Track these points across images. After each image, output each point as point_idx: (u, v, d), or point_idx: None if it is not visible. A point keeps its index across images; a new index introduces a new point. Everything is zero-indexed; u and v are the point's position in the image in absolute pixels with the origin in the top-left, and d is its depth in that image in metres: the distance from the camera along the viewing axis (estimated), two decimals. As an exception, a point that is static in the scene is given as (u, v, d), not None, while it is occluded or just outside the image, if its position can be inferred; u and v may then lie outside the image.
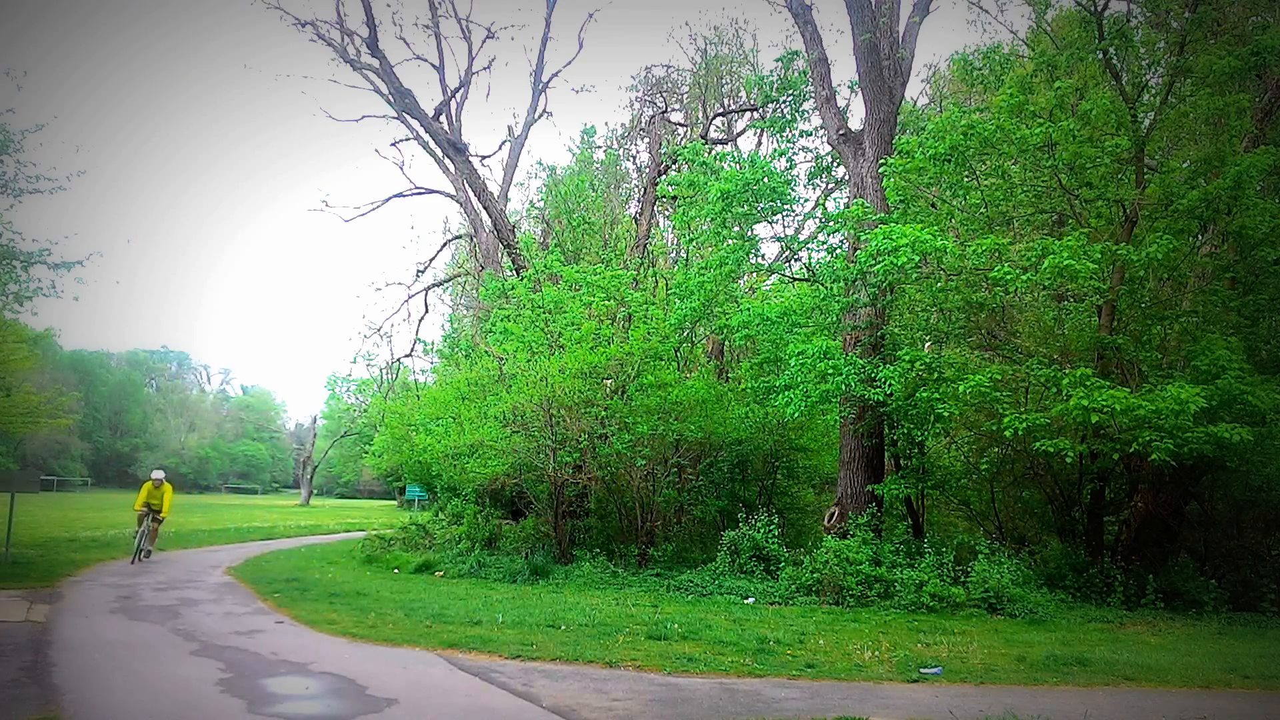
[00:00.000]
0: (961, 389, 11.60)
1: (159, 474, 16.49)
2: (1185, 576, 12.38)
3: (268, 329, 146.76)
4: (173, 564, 15.78)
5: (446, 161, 22.45)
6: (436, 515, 26.54)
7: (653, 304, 18.02)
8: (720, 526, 15.54)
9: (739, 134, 25.45)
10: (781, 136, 18.88)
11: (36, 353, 23.40)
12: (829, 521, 14.43)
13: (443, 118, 22.66)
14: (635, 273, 20.18)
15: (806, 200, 19.46)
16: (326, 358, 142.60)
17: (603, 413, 15.34)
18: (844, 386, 13.07)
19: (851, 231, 14.73)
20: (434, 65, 22.97)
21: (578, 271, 17.67)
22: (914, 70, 16.05)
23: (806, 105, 19.32)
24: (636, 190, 25.58)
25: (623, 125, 27.28)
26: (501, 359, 17.26)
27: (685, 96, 25.88)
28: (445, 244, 30.98)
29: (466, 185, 22.40)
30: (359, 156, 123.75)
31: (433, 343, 31.83)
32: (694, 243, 19.11)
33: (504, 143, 24.94)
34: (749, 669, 7.79)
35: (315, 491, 69.25)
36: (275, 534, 25.11)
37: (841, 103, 17.41)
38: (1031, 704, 6.63)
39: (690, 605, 11.72)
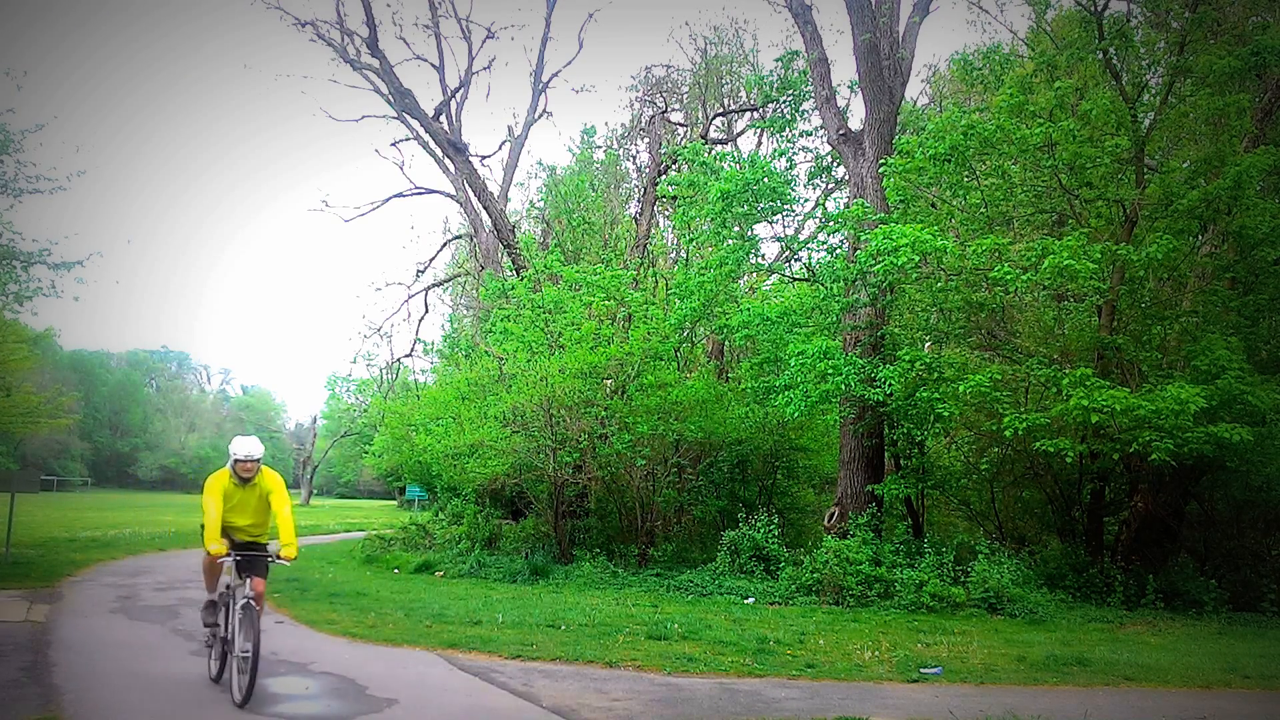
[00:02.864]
0: (961, 389, 11.60)
1: (253, 447, 6.84)
2: (1185, 576, 12.38)
3: (268, 329, 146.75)
4: (173, 564, 15.76)
5: (446, 161, 22.44)
6: (436, 515, 26.54)
7: (653, 304, 18.02)
8: (720, 526, 15.54)
9: (739, 134, 25.45)
10: (781, 136, 18.89)
11: (36, 353, 23.38)
12: (829, 521, 14.43)
13: (443, 118, 22.66)
14: (635, 273, 20.17)
15: (806, 200, 19.47)
16: (326, 358, 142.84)
17: (603, 413, 15.34)
18: (844, 386, 13.07)
19: (851, 231, 14.72)
20: (434, 65, 22.98)
21: (578, 271, 17.66)
22: (914, 70, 16.05)
23: (806, 105, 19.33)
24: (636, 190, 25.57)
25: (623, 125, 27.28)
26: (501, 359, 17.25)
27: (685, 96, 25.87)
28: (445, 244, 30.96)
29: (466, 185, 22.39)
30: (359, 156, 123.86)
31: (433, 343, 31.83)
32: (694, 243, 19.12)
33: (504, 143, 24.94)
34: (749, 669, 7.79)
35: (315, 491, 69.30)
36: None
37: (841, 103, 17.42)
38: (1031, 704, 6.63)
39: (690, 605, 11.72)
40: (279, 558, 6.59)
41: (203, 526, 6.60)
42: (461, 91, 23.14)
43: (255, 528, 6.91)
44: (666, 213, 24.96)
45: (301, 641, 8.64)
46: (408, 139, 23.11)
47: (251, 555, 6.63)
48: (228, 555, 6.47)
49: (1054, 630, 10.43)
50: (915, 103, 22.33)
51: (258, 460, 6.74)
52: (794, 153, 18.07)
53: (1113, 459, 12.08)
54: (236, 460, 6.70)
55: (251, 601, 6.30)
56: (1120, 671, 7.99)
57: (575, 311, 16.20)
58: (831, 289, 14.61)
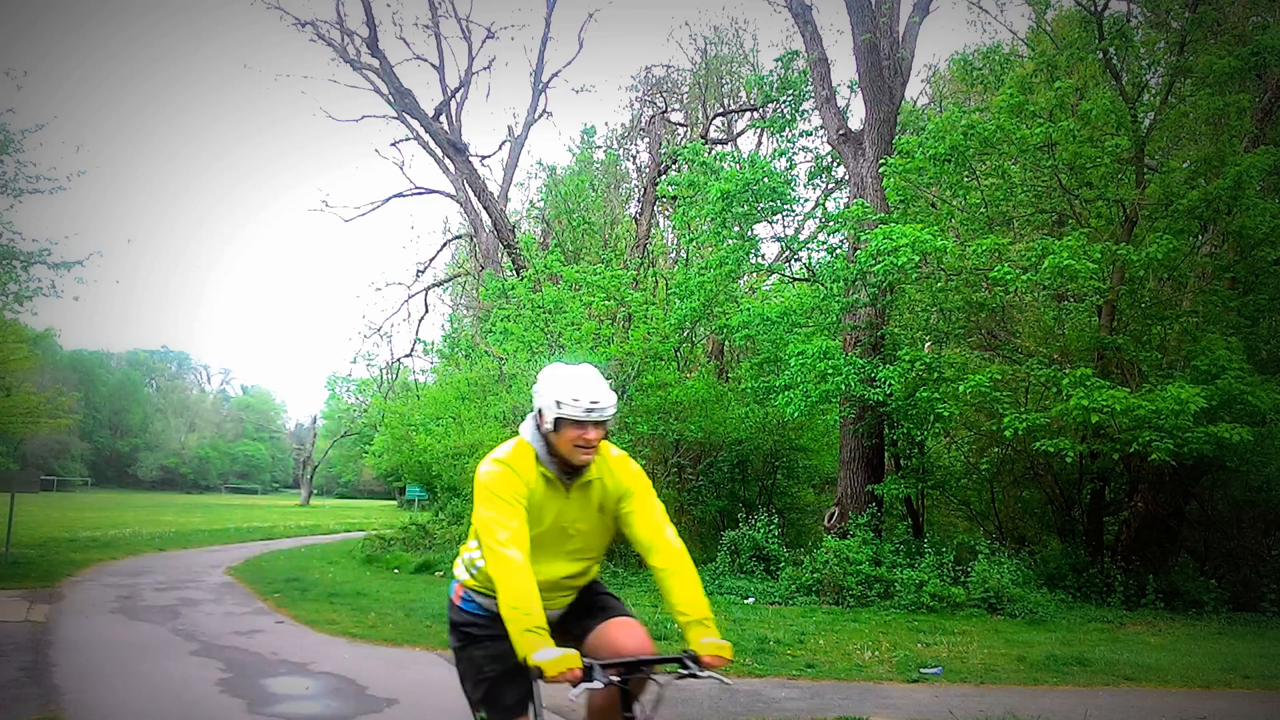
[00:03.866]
0: (961, 389, 11.59)
1: (600, 390, 2.83)
2: (1185, 576, 12.38)
3: (268, 329, 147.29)
4: (173, 564, 15.77)
5: (446, 161, 22.45)
6: (436, 515, 26.53)
7: (653, 304, 18.01)
8: (720, 526, 15.54)
9: (739, 134, 25.46)
10: (781, 136, 18.88)
11: (36, 353, 23.39)
12: (829, 521, 14.43)
13: (443, 118, 22.66)
14: (635, 273, 20.17)
15: (806, 200, 19.48)
16: (326, 358, 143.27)
17: (602, 413, 15.32)
18: (844, 386, 13.07)
19: (851, 231, 14.73)
20: (434, 65, 22.98)
21: (578, 271, 17.65)
22: (914, 70, 16.07)
23: (806, 105, 19.32)
24: (636, 190, 25.57)
25: (623, 125, 27.29)
26: (501, 359, 17.26)
27: (685, 96, 25.89)
28: (445, 244, 30.98)
29: (466, 185, 22.39)
30: (359, 156, 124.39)
31: (433, 343, 31.81)
32: (694, 243, 19.10)
33: (504, 143, 24.95)
34: (749, 669, 7.79)
35: (315, 491, 69.29)
36: (275, 534, 25.11)
37: (841, 103, 17.43)
38: (1031, 704, 6.63)
39: (690, 605, 11.70)
40: (701, 664, 2.93)
41: (465, 586, 3.05)
42: (461, 91, 23.16)
43: (580, 577, 3.16)
44: (666, 213, 24.97)
45: (301, 641, 8.64)
46: (408, 139, 23.12)
47: (638, 667, 2.92)
48: (594, 681, 2.69)
49: (1054, 630, 10.43)
50: (915, 103, 22.34)
51: (606, 423, 2.89)
52: (794, 153, 18.07)
53: (1113, 459, 12.07)
54: (568, 421, 2.84)
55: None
56: (1120, 671, 7.98)
57: (575, 311, 16.19)
58: (831, 289, 14.61)
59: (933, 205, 14.12)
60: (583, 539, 3.08)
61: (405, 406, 26.78)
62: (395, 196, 24.80)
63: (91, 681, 6.65)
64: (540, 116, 24.14)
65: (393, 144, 25.83)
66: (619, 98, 77.28)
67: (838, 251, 15.89)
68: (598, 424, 2.85)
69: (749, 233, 16.22)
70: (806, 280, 16.59)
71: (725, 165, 16.96)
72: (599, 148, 27.17)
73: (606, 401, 2.84)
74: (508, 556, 2.70)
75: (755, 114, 22.82)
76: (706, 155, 18.21)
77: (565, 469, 2.94)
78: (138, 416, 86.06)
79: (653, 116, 24.32)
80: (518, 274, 20.46)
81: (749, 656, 8.23)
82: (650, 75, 25.16)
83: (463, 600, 3.06)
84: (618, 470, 3.06)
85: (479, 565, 2.96)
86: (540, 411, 2.91)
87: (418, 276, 28.16)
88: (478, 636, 3.00)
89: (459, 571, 3.10)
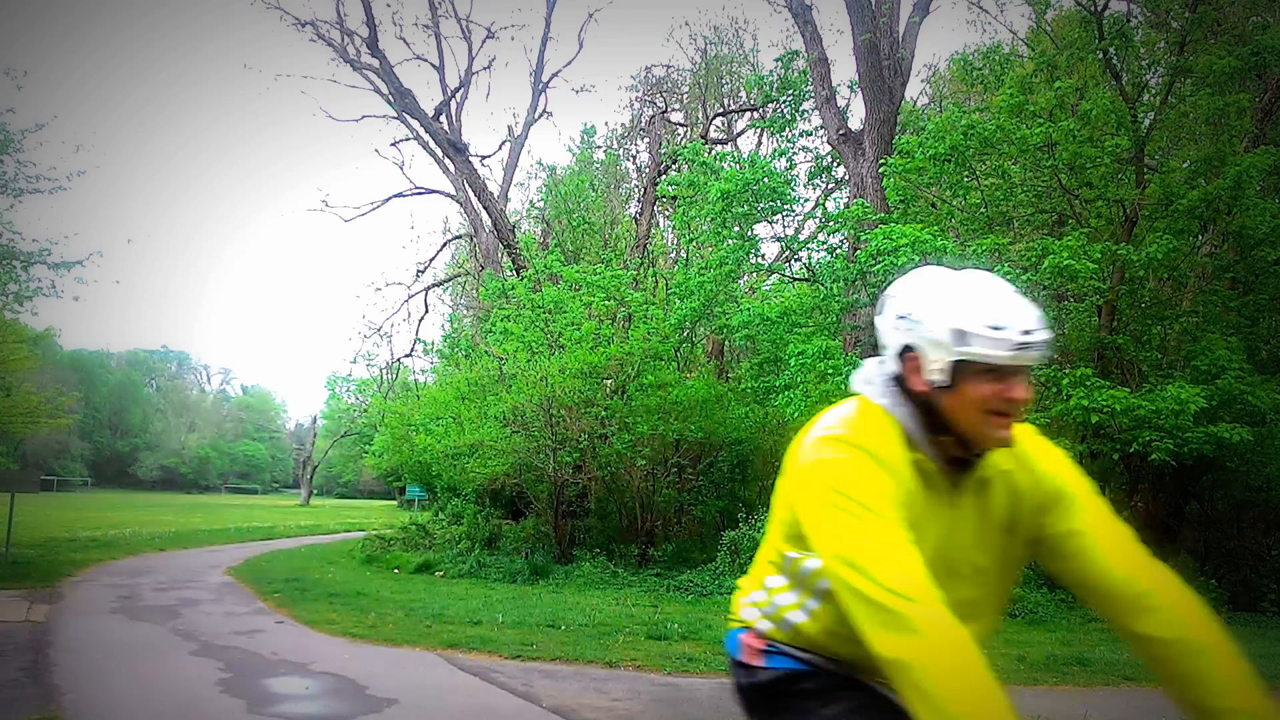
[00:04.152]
0: (961, 389, 11.58)
1: (1032, 324, 1.53)
2: (1185, 576, 12.15)
3: (268, 329, 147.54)
4: (173, 564, 15.78)
5: (446, 161, 22.46)
6: (436, 515, 26.55)
7: (653, 304, 18.02)
8: (720, 526, 15.53)
9: (739, 134, 25.48)
10: (781, 136, 18.91)
11: (36, 353, 23.36)
12: (829, 521, 14.39)
13: (443, 118, 22.68)
14: (635, 273, 20.18)
15: (806, 200, 19.50)
16: (326, 358, 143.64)
17: (603, 413, 15.34)
18: (844, 386, 13.04)
19: (851, 231, 14.73)
20: (434, 65, 23.01)
21: (578, 271, 17.66)
22: (914, 70, 16.09)
23: (806, 105, 19.35)
24: (636, 190, 25.58)
25: (622, 125, 27.30)
26: (501, 359, 17.25)
27: (685, 96, 25.91)
28: (445, 244, 30.97)
29: (466, 185, 22.41)
30: (359, 156, 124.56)
31: (433, 343, 31.80)
32: (694, 243, 19.12)
33: (504, 143, 24.97)
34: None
35: (315, 491, 69.30)
36: (275, 534, 25.12)
37: (841, 103, 17.45)
38: (1031, 704, 6.62)
39: (690, 605, 11.72)
40: None
41: (769, 637, 1.81)
42: (461, 91, 23.19)
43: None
44: (666, 213, 24.98)
45: (301, 641, 8.64)
46: (408, 139, 23.14)
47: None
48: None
49: (1054, 630, 10.42)
50: (915, 103, 22.35)
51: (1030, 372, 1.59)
52: (794, 153, 18.11)
53: (1113, 459, 12.07)
54: (979, 368, 1.55)
55: None
56: (1120, 671, 7.97)
57: (575, 311, 16.19)
58: (831, 289, 14.61)
59: (933, 205, 14.13)
60: (979, 580, 1.73)
61: (405, 406, 26.73)
62: (395, 196, 24.84)
63: (91, 681, 6.65)
64: (540, 116, 24.19)
65: (393, 144, 25.85)
66: (619, 98, 77.31)
67: (838, 251, 15.90)
68: (1025, 368, 1.59)
69: (749, 233, 16.23)
70: (806, 280, 16.59)
71: (725, 165, 16.97)
72: (599, 148, 27.21)
73: (1044, 332, 1.56)
74: (931, 623, 1.38)
75: (755, 114, 22.83)
76: (706, 155, 18.22)
77: (954, 456, 1.67)
78: (138, 416, 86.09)
79: (653, 116, 24.33)
80: (518, 274, 20.48)
81: (749, 656, 8.23)
82: (650, 75, 25.20)
83: (767, 656, 1.79)
84: (1036, 458, 1.72)
85: (793, 621, 1.75)
86: (908, 352, 1.66)
87: (418, 276, 28.17)
88: (810, 692, 1.73)
89: (751, 615, 1.85)
